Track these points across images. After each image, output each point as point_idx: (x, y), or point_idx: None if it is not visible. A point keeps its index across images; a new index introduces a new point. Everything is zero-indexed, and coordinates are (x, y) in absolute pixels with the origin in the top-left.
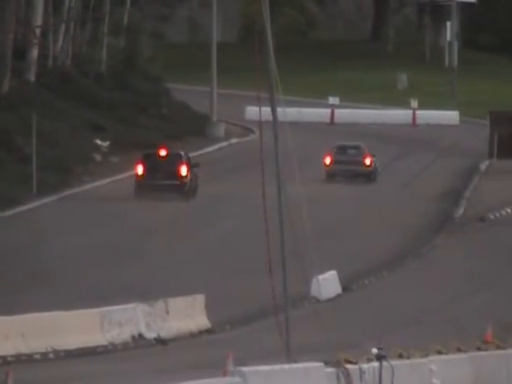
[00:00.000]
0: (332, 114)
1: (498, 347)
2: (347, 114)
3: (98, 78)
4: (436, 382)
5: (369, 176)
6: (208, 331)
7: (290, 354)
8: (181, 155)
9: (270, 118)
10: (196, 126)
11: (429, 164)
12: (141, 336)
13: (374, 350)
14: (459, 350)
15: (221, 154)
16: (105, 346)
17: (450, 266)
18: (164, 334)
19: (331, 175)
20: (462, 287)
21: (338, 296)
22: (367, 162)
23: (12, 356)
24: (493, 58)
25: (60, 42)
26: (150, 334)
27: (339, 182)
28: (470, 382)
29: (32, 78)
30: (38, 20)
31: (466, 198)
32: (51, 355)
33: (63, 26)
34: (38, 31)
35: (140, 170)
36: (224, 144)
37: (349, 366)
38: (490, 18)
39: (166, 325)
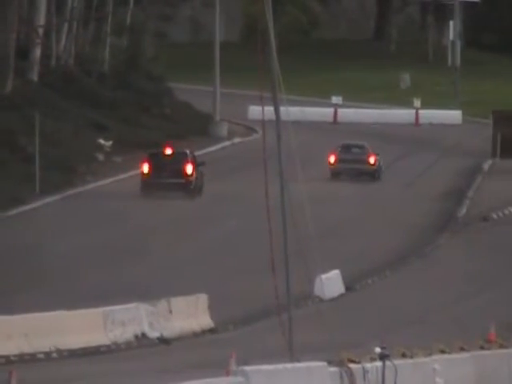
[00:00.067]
0: (335, 113)
1: (501, 346)
2: (350, 113)
3: (100, 78)
4: (439, 381)
5: (373, 175)
6: (211, 331)
7: (292, 354)
8: (186, 154)
9: (273, 117)
10: (199, 126)
11: (432, 163)
12: (144, 335)
13: (378, 350)
14: (462, 350)
15: (224, 154)
16: (108, 346)
17: (453, 266)
18: (167, 334)
19: (336, 174)
20: (465, 287)
21: (342, 295)
22: (371, 160)
23: (15, 356)
24: (496, 58)
25: (63, 42)
26: (153, 334)
27: (342, 181)
28: (474, 381)
29: (35, 77)
30: (41, 20)
31: (469, 197)
32: (54, 355)
33: (66, 26)
34: (40, 31)
35: (146, 168)
36: (227, 143)
37: (352, 366)
38: (493, 18)
39: (169, 324)
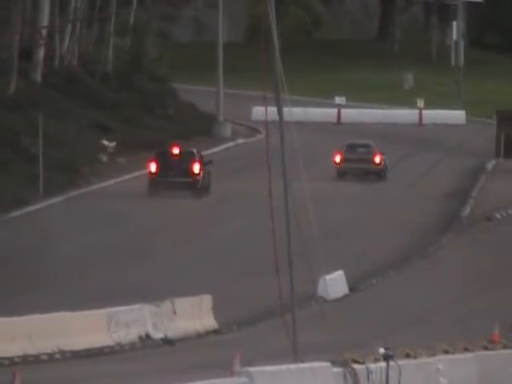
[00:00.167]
0: (338, 113)
1: (505, 347)
2: (354, 113)
3: (104, 79)
4: (443, 381)
5: (379, 174)
6: (215, 331)
7: (296, 354)
8: (193, 153)
9: (277, 117)
10: (202, 126)
11: (435, 163)
12: (148, 336)
13: (381, 350)
14: (466, 350)
15: (227, 154)
16: (112, 347)
17: (457, 266)
18: (171, 335)
19: (341, 173)
20: (469, 287)
21: (345, 296)
22: (377, 160)
23: (19, 357)
24: (499, 58)
25: (66, 43)
26: (157, 335)
27: (345, 181)
28: (477, 382)
29: (38, 78)
30: (45, 21)
31: (472, 197)
32: (58, 356)
33: (69, 27)
34: (44, 32)
35: (153, 167)
36: (230, 144)
37: (356, 366)
38: (497, 18)
39: (173, 325)
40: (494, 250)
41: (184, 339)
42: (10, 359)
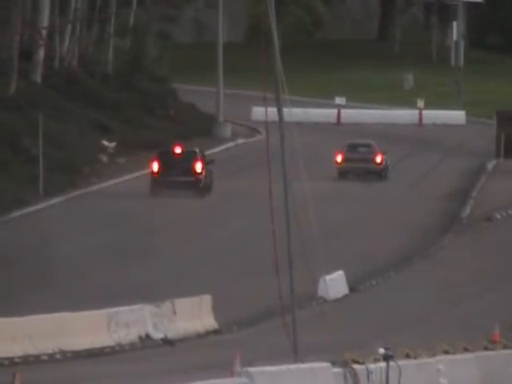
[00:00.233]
0: (338, 114)
1: (505, 347)
2: (354, 114)
3: (104, 79)
4: (443, 381)
5: (380, 174)
6: (215, 332)
7: (296, 355)
8: (196, 152)
9: (277, 118)
10: (202, 127)
11: (436, 164)
12: (148, 337)
13: (381, 350)
14: (466, 350)
15: (227, 155)
16: (112, 347)
17: (457, 266)
18: (171, 335)
19: (343, 173)
20: (469, 287)
21: (345, 296)
22: (378, 159)
23: (19, 357)
24: (499, 58)
25: (66, 43)
26: (157, 335)
27: (346, 181)
28: (478, 382)
29: (38, 79)
30: (45, 21)
31: (472, 197)
32: (58, 356)
33: (69, 27)
34: (44, 32)
35: (155, 166)
36: (231, 144)
37: (356, 366)
38: (497, 18)
39: (173, 325)
40: (494, 250)
41: (184, 339)
42: (11, 359)
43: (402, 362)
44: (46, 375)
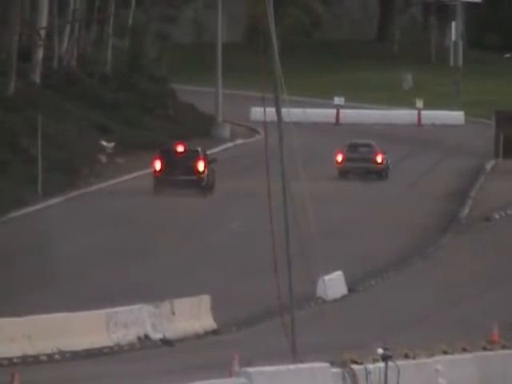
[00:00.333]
0: (337, 114)
1: (504, 347)
2: (352, 114)
3: (103, 79)
4: (442, 381)
5: (381, 173)
6: (214, 332)
7: (295, 355)
8: (198, 151)
9: (275, 118)
10: (201, 127)
11: (434, 164)
12: (147, 337)
13: (380, 351)
14: (465, 350)
15: (226, 155)
16: (111, 347)
17: (456, 266)
18: (170, 335)
19: (343, 173)
20: (468, 287)
21: (344, 296)
22: (379, 159)
23: (18, 357)
24: (498, 58)
25: (65, 44)
26: (156, 335)
27: (346, 181)
28: (476, 382)
29: (37, 79)
30: (43, 21)
31: (471, 197)
32: (57, 356)
33: (68, 28)
34: (43, 32)
35: (158, 165)
36: (229, 145)
37: (355, 367)
38: (495, 18)
39: (172, 326)
40: (492, 250)
41: (183, 340)
42: (9, 360)
43: (401, 362)
44: (45, 375)
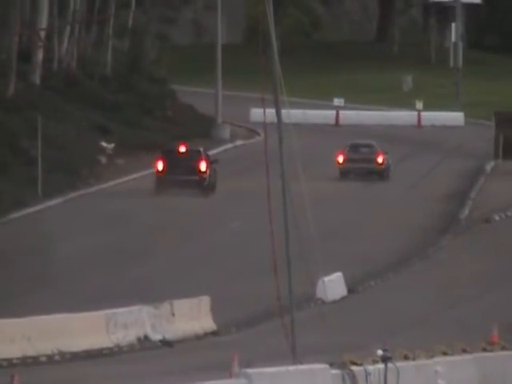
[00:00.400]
0: (337, 115)
1: (504, 348)
2: (352, 115)
3: (103, 81)
4: (442, 383)
5: (381, 174)
6: (214, 333)
7: (295, 356)
8: (200, 151)
9: (275, 119)
10: (201, 128)
11: (434, 165)
12: (146, 338)
13: (380, 352)
14: (465, 352)
15: (226, 156)
16: (110, 348)
17: (456, 268)
18: (170, 336)
19: (344, 173)
20: (468, 288)
21: (344, 298)
22: (379, 160)
23: (18, 358)
24: (498, 59)
25: (65, 45)
26: (156, 336)
27: (346, 182)
28: (476, 383)
29: (37, 80)
30: (43, 23)
31: (471, 199)
32: (57, 357)
33: (68, 29)
34: (42, 34)
35: (160, 165)
36: (229, 146)
37: (354, 368)
38: (495, 19)
39: (172, 327)
40: (492, 251)
41: (182, 341)
42: (9, 361)
43: (401, 364)
44: (45, 376)
